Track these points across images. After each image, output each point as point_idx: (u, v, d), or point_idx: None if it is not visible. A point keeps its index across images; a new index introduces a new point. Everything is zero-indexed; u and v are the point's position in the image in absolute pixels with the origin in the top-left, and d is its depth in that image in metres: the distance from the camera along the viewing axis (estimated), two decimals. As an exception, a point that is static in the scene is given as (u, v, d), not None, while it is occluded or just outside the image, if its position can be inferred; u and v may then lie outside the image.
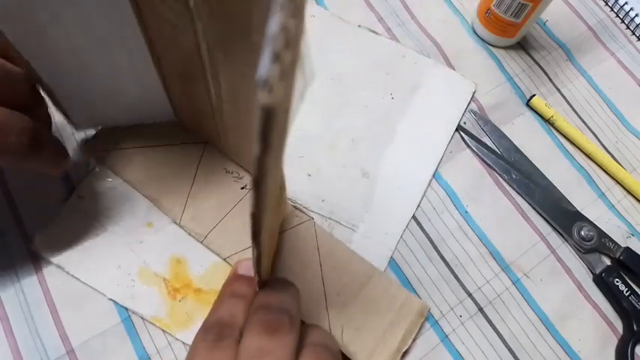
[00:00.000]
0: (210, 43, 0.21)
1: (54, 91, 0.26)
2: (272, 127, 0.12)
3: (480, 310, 0.31)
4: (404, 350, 0.29)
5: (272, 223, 0.22)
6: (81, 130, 0.31)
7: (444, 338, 0.30)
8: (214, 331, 0.22)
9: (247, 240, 0.24)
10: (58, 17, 0.21)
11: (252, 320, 0.22)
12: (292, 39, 0.11)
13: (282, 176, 0.23)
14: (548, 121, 0.38)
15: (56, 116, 0.30)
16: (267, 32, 0.11)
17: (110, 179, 0.31)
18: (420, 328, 0.30)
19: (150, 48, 0.25)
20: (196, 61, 0.23)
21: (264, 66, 0.11)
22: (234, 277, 0.26)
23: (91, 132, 0.33)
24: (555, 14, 0.42)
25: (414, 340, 0.30)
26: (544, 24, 0.42)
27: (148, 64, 0.26)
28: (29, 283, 0.29)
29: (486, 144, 0.36)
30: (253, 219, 0.16)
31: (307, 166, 0.34)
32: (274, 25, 0.11)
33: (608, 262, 0.33)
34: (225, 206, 0.31)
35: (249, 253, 0.27)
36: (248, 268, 0.26)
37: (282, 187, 0.24)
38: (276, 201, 0.21)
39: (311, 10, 0.39)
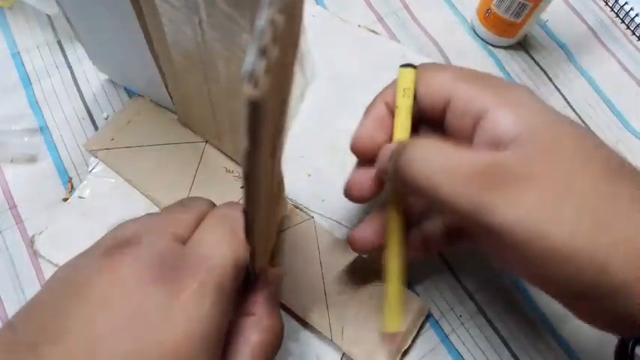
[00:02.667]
0: (210, 42, 0.20)
1: (81, 38, 0.30)
2: (259, 121, 0.12)
3: (480, 310, 0.31)
4: (404, 349, 0.29)
5: (268, 220, 0.22)
6: (101, 72, 0.34)
7: (444, 338, 0.30)
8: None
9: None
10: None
11: None
12: (280, 34, 0.11)
13: (279, 173, 0.23)
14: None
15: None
16: (254, 27, 0.11)
17: (110, 179, 0.31)
18: (420, 328, 0.30)
19: (149, 46, 0.25)
20: (195, 60, 0.23)
21: (250, 60, 0.11)
22: None
23: (91, 133, 0.33)
24: (555, 14, 0.42)
25: (414, 340, 0.30)
26: (544, 24, 0.42)
27: (150, 58, 0.26)
28: (29, 283, 0.29)
29: (486, 144, 0.36)
30: (245, 216, 0.16)
31: (307, 166, 0.34)
32: (262, 19, 0.11)
33: (608, 262, 0.33)
34: (226, 206, 0.31)
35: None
36: None
37: (279, 184, 0.24)
38: (271, 198, 0.21)
39: (311, 10, 0.39)
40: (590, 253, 0.18)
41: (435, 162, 0.20)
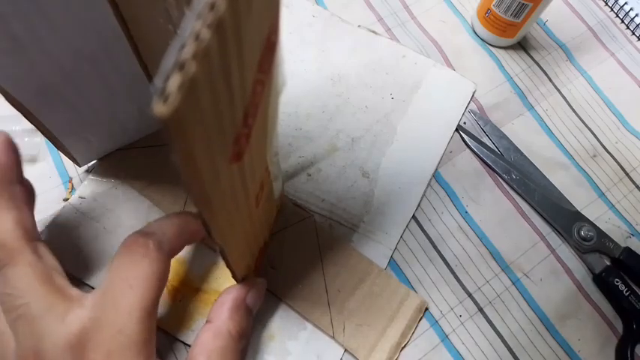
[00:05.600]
0: None
1: (53, 132, 0.27)
2: (176, 137, 0.11)
3: (480, 310, 0.31)
4: (403, 345, 0.29)
5: (242, 221, 0.22)
6: (84, 165, 0.31)
7: (444, 338, 0.30)
8: None
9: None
10: (43, 42, 0.21)
11: None
12: (205, 50, 0.10)
13: (261, 175, 0.23)
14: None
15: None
16: (176, 37, 0.10)
17: (110, 179, 0.31)
18: (419, 324, 0.30)
19: (140, 62, 0.25)
20: None
21: (163, 73, 0.10)
22: None
23: (91, 132, 0.33)
24: (555, 14, 0.42)
25: (414, 339, 0.30)
26: (544, 24, 0.42)
27: (141, 78, 0.26)
28: (29, 283, 0.29)
29: (486, 144, 0.36)
30: (201, 219, 0.16)
31: (307, 166, 0.34)
32: (185, 31, 0.10)
33: (607, 262, 0.34)
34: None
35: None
36: None
37: (263, 186, 0.24)
38: (243, 201, 0.21)
39: (311, 10, 0.39)
40: None
41: None
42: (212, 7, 0.10)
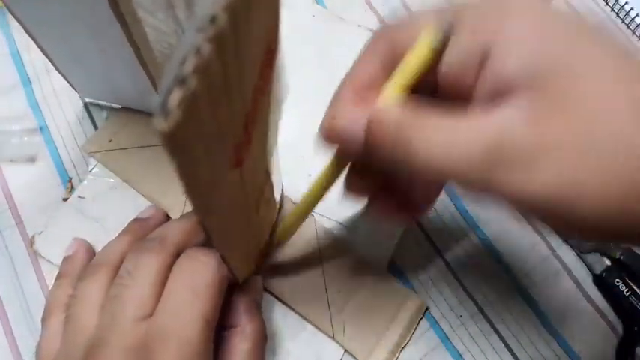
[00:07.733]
0: None
1: (59, 68, 0.29)
2: (176, 152, 0.11)
3: (480, 310, 0.31)
4: (403, 345, 0.29)
5: (242, 226, 0.22)
6: (84, 97, 0.33)
7: (444, 338, 0.30)
8: (89, 269, 0.24)
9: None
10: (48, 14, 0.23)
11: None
12: (205, 64, 0.10)
13: (260, 180, 0.23)
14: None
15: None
16: (175, 52, 0.10)
17: (110, 179, 0.31)
18: (418, 324, 0.30)
19: (136, 54, 0.25)
20: None
21: (164, 89, 0.10)
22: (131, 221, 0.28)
23: (91, 133, 0.33)
24: (555, 14, 0.42)
25: (415, 339, 0.30)
26: (544, 24, 0.42)
27: (139, 67, 0.26)
28: (29, 283, 0.29)
29: (486, 144, 0.36)
30: (202, 227, 0.16)
31: (307, 166, 0.34)
32: (186, 45, 0.10)
33: (608, 262, 0.33)
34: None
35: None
36: (147, 212, 0.28)
37: (263, 189, 0.24)
38: (244, 206, 0.21)
39: (311, 10, 0.39)
40: (625, 217, 0.15)
41: (435, 143, 0.16)
42: (213, 20, 0.10)
